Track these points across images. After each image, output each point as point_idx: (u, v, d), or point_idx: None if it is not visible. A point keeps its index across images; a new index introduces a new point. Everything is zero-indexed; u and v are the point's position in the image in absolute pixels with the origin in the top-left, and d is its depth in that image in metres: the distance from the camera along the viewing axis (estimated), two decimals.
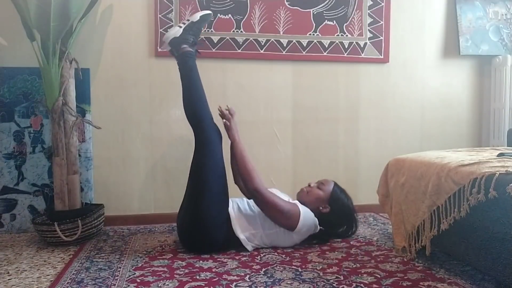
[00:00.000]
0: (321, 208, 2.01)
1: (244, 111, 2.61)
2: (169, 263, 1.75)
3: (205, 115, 1.92)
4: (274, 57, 2.61)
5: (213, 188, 1.85)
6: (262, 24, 2.57)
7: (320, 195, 2.03)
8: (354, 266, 1.70)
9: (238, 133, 2.03)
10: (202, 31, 2.50)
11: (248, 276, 1.58)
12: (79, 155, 2.26)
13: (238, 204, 1.96)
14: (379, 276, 1.58)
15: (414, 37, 2.79)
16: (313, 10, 2.63)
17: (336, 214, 2.04)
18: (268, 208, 1.87)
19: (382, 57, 2.73)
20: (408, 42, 2.78)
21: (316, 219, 1.97)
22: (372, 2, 2.69)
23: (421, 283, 1.51)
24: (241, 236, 1.88)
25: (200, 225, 1.83)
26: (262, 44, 2.58)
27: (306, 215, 1.91)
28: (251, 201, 1.99)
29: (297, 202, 1.99)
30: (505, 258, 1.34)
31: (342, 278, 1.57)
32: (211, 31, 2.52)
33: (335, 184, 2.10)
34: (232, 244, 1.89)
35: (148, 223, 2.46)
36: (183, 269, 1.67)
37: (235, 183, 2.14)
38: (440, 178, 1.58)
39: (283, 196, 2.03)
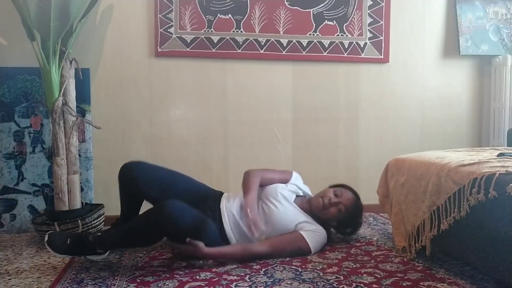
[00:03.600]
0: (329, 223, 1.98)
1: (244, 111, 2.61)
2: (169, 263, 1.75)
3: None
4: (274, 57, 2.60)
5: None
6: (262, 24, 2.57)
7: (334, 215, 1.94)
8: (354, 266, 1.70)
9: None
10: (203, 31, 2.51)
11: (248, 276, 1.58)
12: (79, 155, 2.26)
13: (234, 213, 1.85)
14: (379, 276, 1.58)
15: (414, 37, 2.78)
16: (313, 10, 2.63)
17: (340, 228, 2.05)
18: (280, 255, 1.77)
19: (382, 57, 2.72)
20: (408, 42, 2.77)
21: (325, 232, 1.92)
22: (372, 2, 2.69)
23: (421, 283, 1.51)
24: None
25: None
26: (262, 44, 2.58)
27: (314, 240, 1.84)
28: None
29: (299, 217, 1.90)
30: (505, 258, 1.34)
31: (342, 278, 1.57)
32: (211, 31, 2.52)
33: (356, 202, 2.02)
34: None
35: None
36: (183, 269, 1.67)
37: None
38: (440, 178, 1.58)
39: (286, 191, 1.98)
